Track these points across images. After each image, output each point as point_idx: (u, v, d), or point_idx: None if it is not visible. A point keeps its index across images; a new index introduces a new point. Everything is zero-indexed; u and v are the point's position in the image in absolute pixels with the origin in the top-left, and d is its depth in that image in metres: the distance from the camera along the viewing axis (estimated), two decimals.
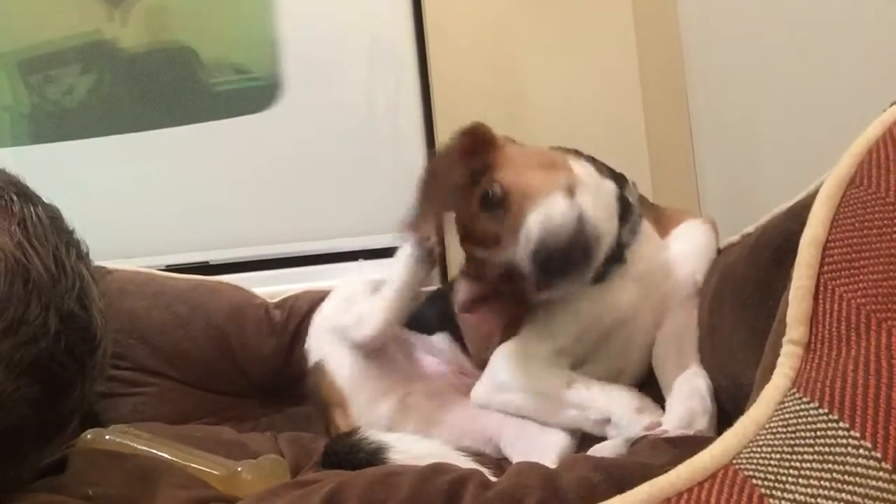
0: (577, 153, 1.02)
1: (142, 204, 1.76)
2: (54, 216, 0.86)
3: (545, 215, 0.84)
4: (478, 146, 1.00)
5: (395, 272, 1.07)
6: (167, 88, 1.86)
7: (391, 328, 1.08)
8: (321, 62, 1.75)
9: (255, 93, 1.85)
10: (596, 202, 0.89)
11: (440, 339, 1.15)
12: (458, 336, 1.11)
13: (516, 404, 0.97)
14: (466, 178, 0.97)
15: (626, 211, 0.98)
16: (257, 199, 1.76)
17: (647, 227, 1.02)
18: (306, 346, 1.18)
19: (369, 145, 1.73)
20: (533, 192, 0.88)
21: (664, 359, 0.98)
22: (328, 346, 1.13)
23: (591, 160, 1.02)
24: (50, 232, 0.82)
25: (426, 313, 1.16)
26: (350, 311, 1.12)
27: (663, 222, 1.06)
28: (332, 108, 1.75)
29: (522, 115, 1.81)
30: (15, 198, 0.82)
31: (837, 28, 1.14)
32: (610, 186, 0.98)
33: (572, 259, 0.84)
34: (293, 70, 1.75)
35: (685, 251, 1.02)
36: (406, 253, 1.05)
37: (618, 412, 0.87)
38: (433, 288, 1.22)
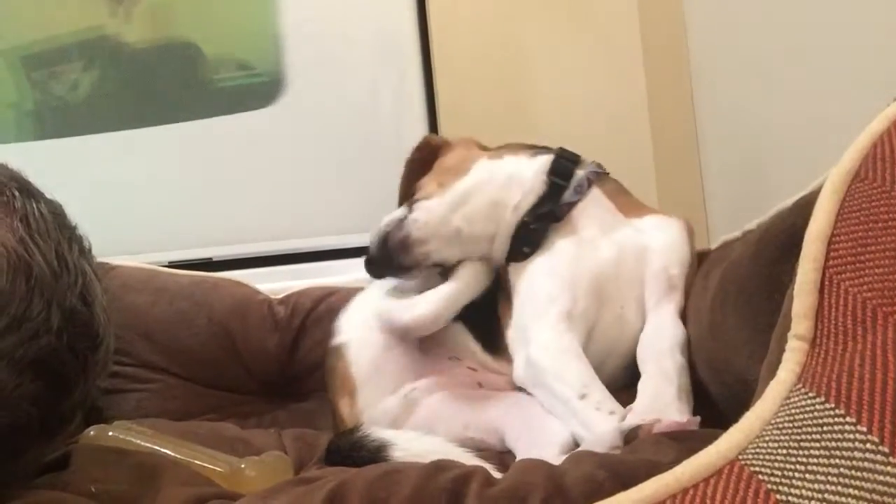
0: (518, 147, 1.16)
1: (144, 200, 1.76)
2: (56, 212, 0.86)
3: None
4: (427, 160, 1.20)
5: (459, 274, 1.09)
6: (170, 84, 1.86)
7: (435, 324, 1.07)
8: (325, 58, 1.74)
9: (258, 89, 1.85)
10: (466, 203, 1.09)
11: (451, 329, 1.14)
12: (469, 325, 1.11)
13: (541, 395, 0.98)
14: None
15: (564, 176, 1.10)
16: (260, 195, 1.76)
17: (597, 194, 1.09)
18: (337, 322, 1.17)
19: (373, 141, 1.73)
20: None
21: (643, 359, 0.98)
22: (358, 329, 1.13)
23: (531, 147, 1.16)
24: (52, 228, 0.82)
25: None
26: (399, 296, 1.11)
27: (625, 202, 1.11)
28: (336, 103, 1.74)
29: (526, 112, 1.80)
30: (17, 193, 0.82)
31: (842, 25, 1.13)
32: (530, 166, 1.11)
33: (383, 257, 1.09)
34: (297, 66, 1.75)
35: (657, 241, 1.05)
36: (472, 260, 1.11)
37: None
38: None
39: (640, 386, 0.91)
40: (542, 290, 1.03)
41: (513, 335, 1.06)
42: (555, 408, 0.94)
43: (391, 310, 1.09)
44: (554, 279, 1.03)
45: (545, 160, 1.11)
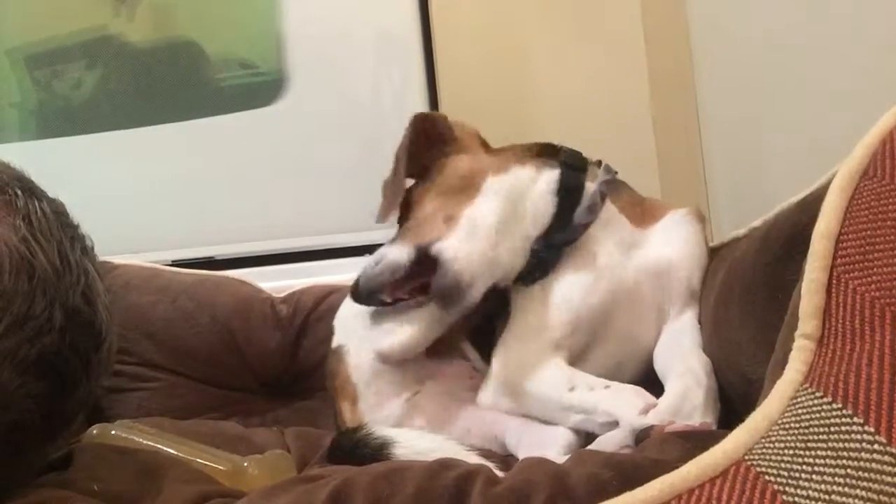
0: (529, 150, 1.07)
1: (147, 199, 1.76)
2: (59, 211, 0.86)
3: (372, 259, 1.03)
4: (432, 139, 1.10)
5: None
6: (173, 83, 1.86)
7: (414, 350, 1.03)
8: (327, 56, 1.74)
9: (260, 87, 1.84)
10: (473, 232, 0.99)
11: (453, 334, 1.14)
12: (469, 335, 1.10)
13: (522, 409, 0.96)
14: (413, 168, 1.09)
15: (573, 191, 1.01)
16: (263, 193, 1.76)
17: (611, 211, 1.02)
18: (334, 321, 1.16)
19: (375, 140, 1.72)
20: (406, 228, 1.05)
21: (665, 360, 0.97)
22: (354, 331, 1.11)
23: (536, 150, 1.06)
24: (55, 227, 0.82)
25: None
26: (383, 313, 1.07)
27: (640, 212, 1.05)
28: (338, 102, 1.74)
29: (529, 110, 1.80)
30: (20, 192, 0.82)
31: (845, 23, 1.13)
32: (535, 182, 1.02)
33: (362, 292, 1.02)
34: (299, 64, 1.74)
35: (676, 251, 1.01)
36: None
37: (624, 415, 0.86)
38: None
39: (669, 385, 0.88)
40: (536, 317, 0.98)
41: (503, 352, 1.00)
42: (546, 411, 0.93)
43: (373, 334, 1.06)
44: (553, 310, 0.98)
45: (551, 176, 1.02)
